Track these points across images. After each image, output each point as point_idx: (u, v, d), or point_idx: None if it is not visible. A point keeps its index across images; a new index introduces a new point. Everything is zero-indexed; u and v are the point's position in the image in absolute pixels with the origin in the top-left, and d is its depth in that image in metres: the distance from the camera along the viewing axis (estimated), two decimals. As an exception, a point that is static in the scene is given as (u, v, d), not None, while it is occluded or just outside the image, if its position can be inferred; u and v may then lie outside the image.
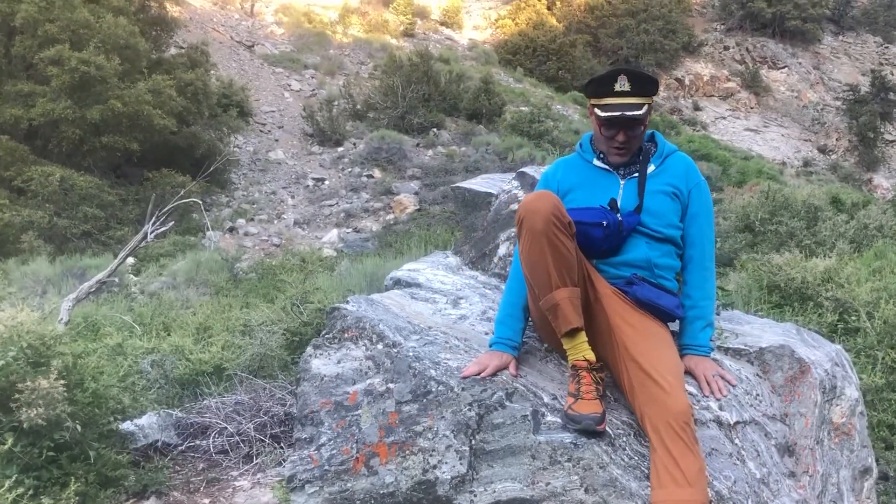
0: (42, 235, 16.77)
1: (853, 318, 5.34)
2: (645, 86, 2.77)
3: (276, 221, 21.10)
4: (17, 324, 4.34)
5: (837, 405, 2.94)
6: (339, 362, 2.96)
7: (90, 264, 14.76)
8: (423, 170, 22.03)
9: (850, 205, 11.61)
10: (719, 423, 2.70)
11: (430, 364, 2.79)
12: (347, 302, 3.15)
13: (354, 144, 24.52)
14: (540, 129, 22.66)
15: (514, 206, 3.61)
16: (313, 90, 28.56)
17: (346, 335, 3.00)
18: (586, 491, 2.52)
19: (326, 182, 22.95)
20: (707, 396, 2.72)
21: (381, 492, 2.73)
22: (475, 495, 2.62)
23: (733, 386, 2.78)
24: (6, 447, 2.78)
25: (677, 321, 2.89)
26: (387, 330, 2.94)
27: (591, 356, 2.61)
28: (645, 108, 2.77)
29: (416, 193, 20.86)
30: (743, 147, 30.46)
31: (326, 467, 2.85)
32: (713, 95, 34.49)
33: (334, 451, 2.85)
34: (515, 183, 3.78)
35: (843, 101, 34.76)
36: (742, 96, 34.94)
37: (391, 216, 20.26)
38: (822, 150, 33.30)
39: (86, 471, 4.25)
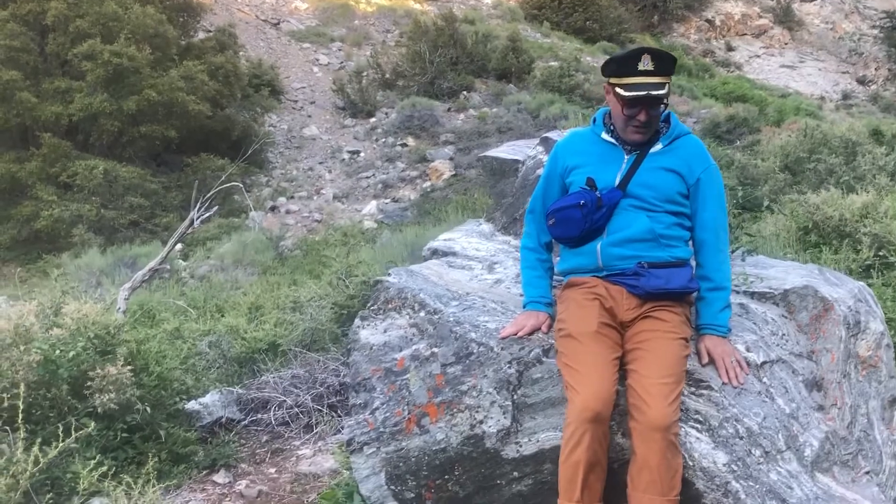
0: (91, 228, 17.23)
1: (892, 253, 5.37)
2: (667, 64, 2.80)
3: (315, 197, 21.36)
4: (82, 316, 4.62)
5: (863, 339, 3.06)
6: (385, 331, 3.16)
7: (140, 252, 15.16)
8: (456, 134, 22.06)
9: (892, 136, 11.41)
10: (747, 363, 2.84)
11: (470, 327, 2.97)
12: (389, 275, 3.34)
13: (386, 114, 24.61)
14: (571, 84, 22.47)
15: (540, 171, 3.75)
16: (341, 63, 28.62)
17: (390, 306, 3.19)
18: (623, 436, 2.70)
19: (362, 154, 23.12)
20: (725, 383, 2.72)
21: (434, 448, 2.94)
22: (520, 446, 2.81)
23: (747, 374, 2.76)
24: (89, 431, 3.01)
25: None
26: (427, 298, 3.12)
27: None
28: (667, 86, 2.80)
29: (451, 159, 20.93)
30: (779, 85, 29.87)
31: (381, 429, 3.06)
32: (745, 34, 33.77)
33: (388, 414, 3.06)
34: (540, 148, 3.92)
35: (881, 28, 33.66)
36: (775, 32, 34.14)
37: (428, 184, 20.39)
38: (862, 82, 32.46)
39: (158, 449, 4.54)
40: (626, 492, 2.62)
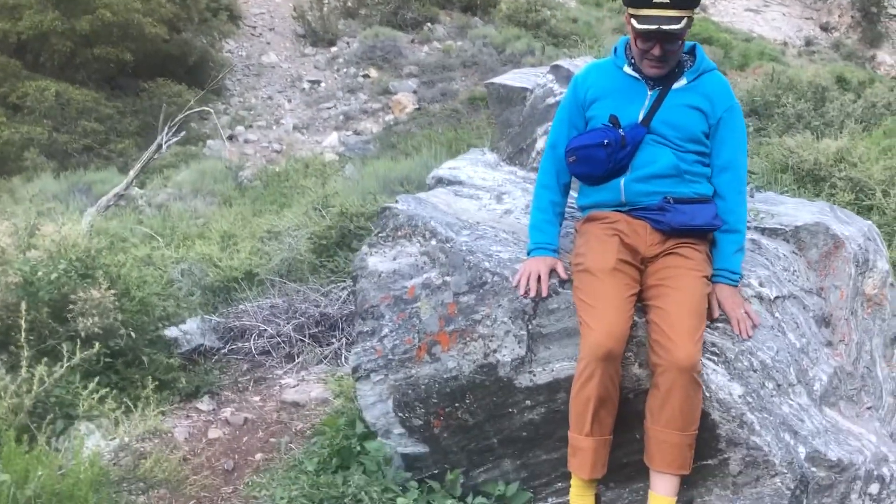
0: (43, 152, 16.72)
1: (869, 196, 5.45)
2: None
3: (274, 127, 20.97)
4: (62, 238, 4.47)
5: (870, 277, 3.10)
6: (395, 259, 3.10)
7: (95, 179, 14.78)
8: (420, 67, 21.71)
9: (857, 83, 11.54)
10: (760, 298, 2.86)
11: (483, 257, 2.93)
12: (397, 202, 3.27)
13: (348, 44, 24.09)
14: (537, 19, 22.15)
15: (550, 100, 3.68)
16: (302, -11, 27.88)
17: (399, 233, 3.13)
18: (639, 366, 2.71)
19: (322, 84, 22.68)
20: (737, 335, 2.70)
21: (445, 376, 2.92)
22: (534, 375, 2.80)
23: (756, 326, 2.73)
24: (75, 357, 2.94)
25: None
26: (438, 226, 3.07)
27: None
28: (684, 21, 2.64)
29: (415, 92, 20.65)
30: (743, 29, 29.84)
31: (390, 356, 3.04)
32: (712, -24, 33.60)
33: (397, 342, 3.03)
34: (550, 77, 3.83)
35: (845, -25, 33.90)
36: (741, -25, 34.04)
37: (390, 117, 20.13)
38: (825, 28, 32.59)
39: (142, 375, 4.46)
40: (644, 423, 2.63)
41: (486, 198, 3.39)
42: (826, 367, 2.85)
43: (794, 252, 3.08)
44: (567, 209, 3.10)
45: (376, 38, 22.73)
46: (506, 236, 3.09)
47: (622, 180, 2.80)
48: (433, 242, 3.03)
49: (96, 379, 4.05)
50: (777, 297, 2.88)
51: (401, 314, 3.03)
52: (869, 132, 8.39)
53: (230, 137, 19.96)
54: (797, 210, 3.30)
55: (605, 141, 2.76)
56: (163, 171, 16.62)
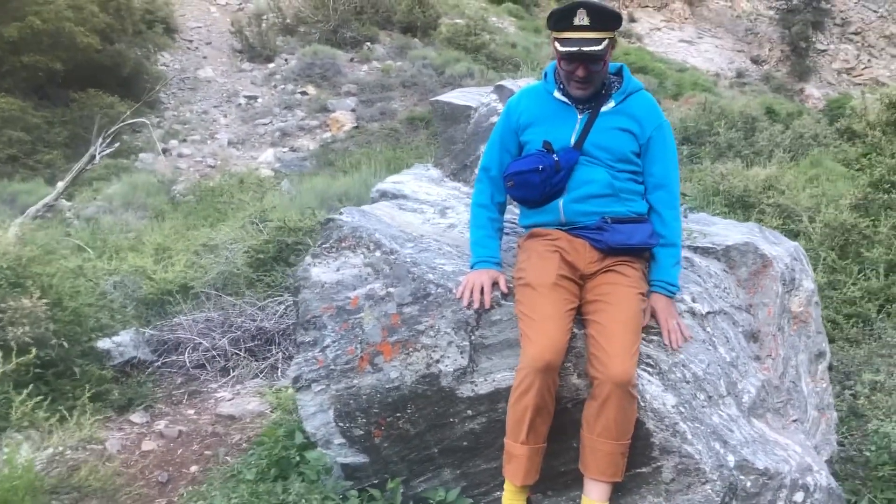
0: (-35, 161, 16.18)
1: (795, 222, 5.68)
2: (605, 20, 2.74)
3: (209, 142, 20.67)
4: (-8, 246, 4.37)
5: (796, 296, 3.25)
6: (338, 270, 3.12)
7: (20, 189, 14.36)
8: (358, 86, 21.70)
9: (785, 115, 12.01)
10: (693, 313, 2.98)
11: (427, 269, 2.98)
12: (341, 213, 3.29)
13: (286, 60, 23.95)
14: (477, 43, 22.39)
15: (494, 119, 3.76)
16: (240, 4, 27.59)
17: (343, 244, 3.15)
18: (578, 376, 2.78)
19: (259, 100, 22.46)
20: (666, 346, 2.80)
21: (387, 386, 2.95)
22: (476, 384, 2.85)
23: (686, 340, 2.83)
24: (29, 358, 2.88)
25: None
26: (383, 238, 3.10)
27: None
28: (605, 42, 2.74)
29: (353, 110, 20.61)
30: (678, 59, 30.69)
31: (332, 367, 3.05)
32: (648, 6, 34.48)
33: (339, 352, 3.04)
34: (494, 96, 3.92)
35: (776, 10, 34.93)
36: (676, 7, 34.99)
37: (328, 134, 20.03)
38: (755, 61, 33.78)
39: (73, 386, 4.37)
40: (580, 432, 2.71)
41: (430, 212, 3.45)
42: (754, 380, 2.97)
43: (724, 270, 3.21)
44: (510, 225, 3.18)
45: (315, 55, 22.67)
46: (449, 249, 3.14)
47: (560, 201, 2.89)
48: (377, 254, 3.07)
49: (28, 388, 3.99)
50: (709, 313, 3.00)
51: (344, 324, 3.05)
52: (796, 162, 8.75)
53: (164, 151, 19.64)
54: (728, 230, 3.44)
55: (540, 167, 2.85)
56: (92, 183, 16.22)
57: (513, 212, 3.26)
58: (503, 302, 2.86)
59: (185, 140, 20.46)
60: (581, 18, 2.73)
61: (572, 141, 2.89)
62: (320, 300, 3.12)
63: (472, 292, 2.85)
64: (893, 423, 3.27)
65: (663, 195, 2.95)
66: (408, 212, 3.44)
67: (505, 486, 2.78)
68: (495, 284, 2.89)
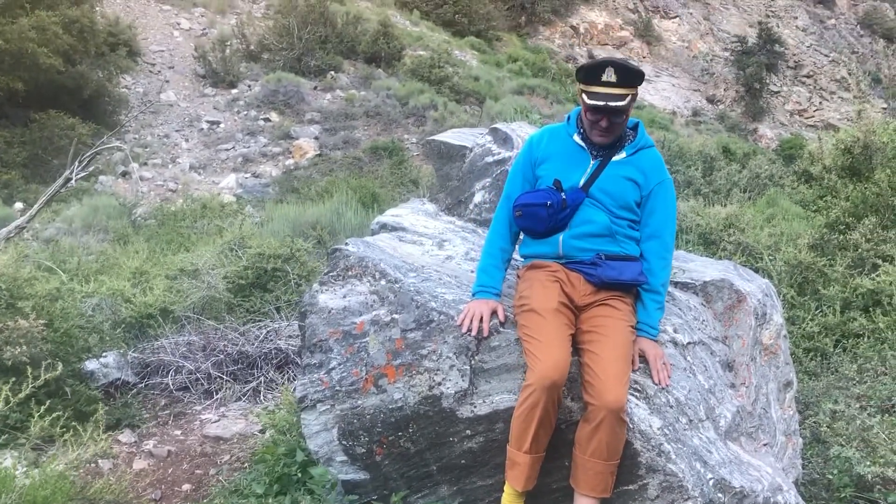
0: (-79, 180, 15.95)
1: (757, 259, 6.00)
2: (630, 78, 3.02)
3: (170, 166, 20.64)
4: (-12, 266, 4.45)
5: (767, 329, 3.52)
6: (345, 297, 3.31)
7: (-23, 210, 14.21)
8: (322, 114, 21.91)
9: (742, 154, 12.49)
10: (675, 343, 3.22)
11: (429, 297, 3.18)
12: (347, 244, 3.48)
13: (249, 87, 24.07)
14: (440, 75, 22.81)
15: (489, 159, 4.01)
16: (204, 29, 27.68)
17: (350, 273, 3.35)
18: (572, 399, 3.00)
19: (221, 125, 22.52)
20: (657, 384, 3.02)
21: (391, 406, 3.13)
22: (475, 406, 3.06)
23: (670, 375, 3.04)
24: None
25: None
26: (388, 268, 3.30)
27: None
28: (628, 98, 3.03)
29: (317, 138, 20.79)
30: (634, 96, 31.51)
31: (337, 388, 3.23)
32: (607, 44, 35.32)
33: (344, 374, 3.22)
34: (489, 137, 4.17)
35: (732, 52, 36.07)
36: (635, 45, 35.93)
37: (291, 161, 20.17)
38: (711, 100, 34.81)
39: (64, 405, 4.45)
40: (572, 451, 2.93)
41: (429, 244, 3.66)
42: (730, 406, 3.22)
43: (702, 304, 3.47)
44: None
45: (279, 82, 22.85)
46: (449, 279, 3.35)
47: (561, 236, 3.14)
48: (383, 282, 3.26)
49: (17, 408, 4.07)
50: (689, 343, 3.25)
51: (349, 348, 3.24)
52: (753, 201, 9.15)
53: (124, 174, 19.55)
54: (705, 267, 3.72)
55: (548, 202, 3.11)
56: (51, 204, 16.10)
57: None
58: (501, 329, 3.07)
59: (146, 163, 20.40)
60: (609, 75, 3.01)
61: (581, 182, 3.16)
62: (327, 325, 3.29)
63: (471, 320, 3.07)
64: (854, 449, 3.53)
65: (655, 245, 3.19)
66: (407, 243, 3.65)
67: (505, 489, 2.98)
68: (494, 314, 3.11)
